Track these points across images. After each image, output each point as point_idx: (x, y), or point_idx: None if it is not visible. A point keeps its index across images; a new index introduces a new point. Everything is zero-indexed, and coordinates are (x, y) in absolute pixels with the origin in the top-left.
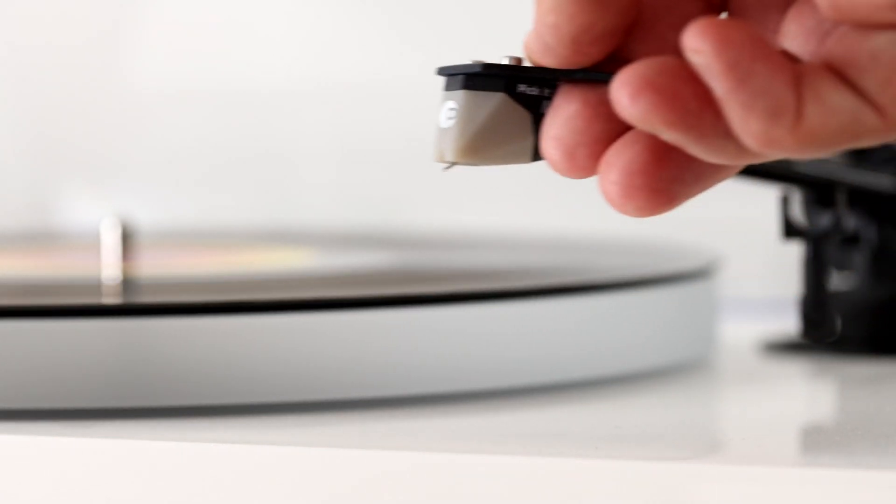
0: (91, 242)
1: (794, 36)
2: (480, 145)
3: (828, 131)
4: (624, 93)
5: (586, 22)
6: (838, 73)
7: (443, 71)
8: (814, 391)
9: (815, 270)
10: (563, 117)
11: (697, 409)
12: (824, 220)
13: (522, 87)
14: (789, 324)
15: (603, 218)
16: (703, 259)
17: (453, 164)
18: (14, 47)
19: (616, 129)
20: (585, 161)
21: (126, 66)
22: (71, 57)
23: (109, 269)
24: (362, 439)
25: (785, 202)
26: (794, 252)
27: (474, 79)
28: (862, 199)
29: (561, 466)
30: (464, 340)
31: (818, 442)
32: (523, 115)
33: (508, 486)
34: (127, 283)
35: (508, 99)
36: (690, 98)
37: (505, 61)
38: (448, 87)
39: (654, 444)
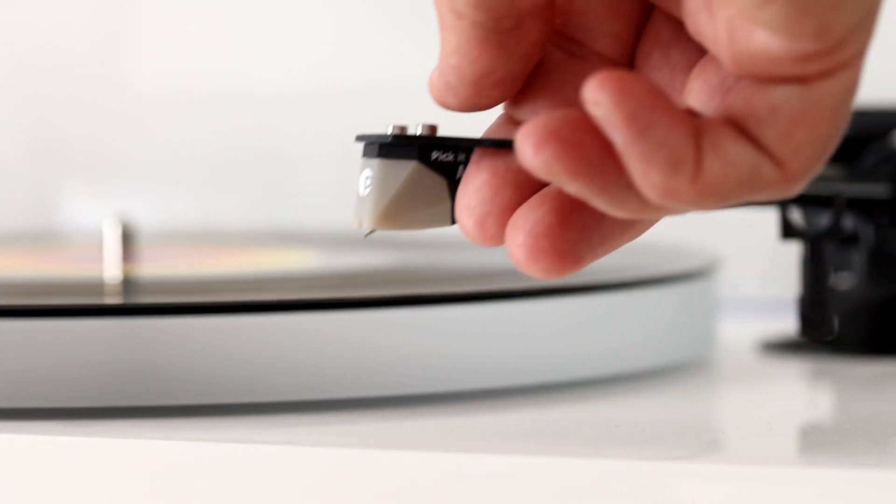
0: (92, 242)
1: (698, 94)
2: (396, 212)
3: (727, 183)
4: (528, 143)
5: (488, 65)
6: (738, 126)
7: (360, 139)
8: (812, 391)
9: (814, 270)
10: (473, 187)
11: (696, 409)
12: (822, 220)
13: (436, 155)
14: (788, 324)
15: None
16: (702, 259)
17: (373, 230)
18: (16, 49)
19: (524, 197)
20: (495, 230)
21: (127, 68)
22: (72, 59)
23: (110, 269)
24: (362, 438)
25: (783, 203)
26: (793, 253)
27: (387, 148)
28: (860, 200)
29: (560, 466)
30: (464, 340)
31: (816, 441)
32: (438, 182)
33: (508, 486)
34: (127, 283)
35: (422, 166)
36: (593, 149)
37: (419, 129)
38: (365, 155)
39: (653, 444)
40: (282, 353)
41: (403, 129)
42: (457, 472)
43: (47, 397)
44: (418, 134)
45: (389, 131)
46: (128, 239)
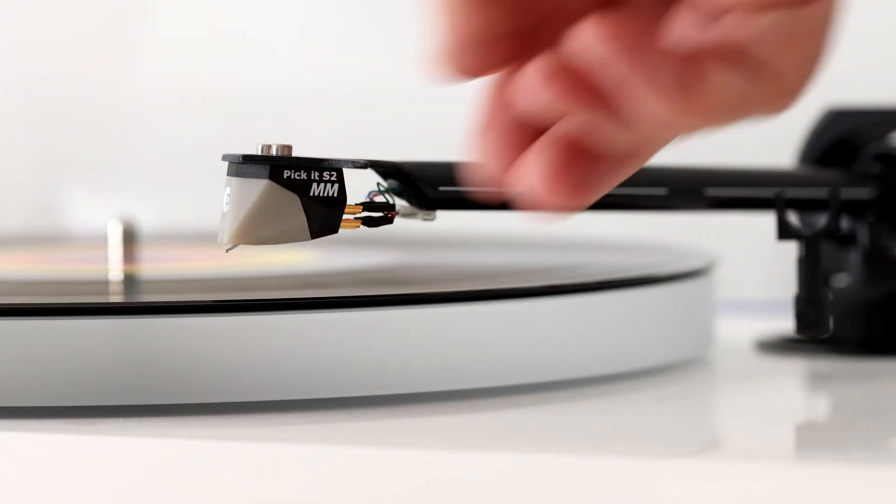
0: (95, 243)
1: (684, 25)
2: (251, 228)
3: (724, 105)
4: (537, 78)
5: (483, 22)
6: (729, 51)
7: (224, 158)
8: (809, 390)
9: (809, 268)
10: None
11: (694, 407)
12: (819, 221)
13: (289, 173)
14: (785, 324)
15: (602, 218)
16: (700, 259)
17: (233, 245)
18: (21, 54)
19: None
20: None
21: (129, 72)
22: (76, 63)
23: (113, 268)
24: (361, 437)
25: (780, 204)
26: (790, 253)
27: (241, 167)
28: (851, 201)
29: (559, 464)
30: (463, 340)
31: (813, 439)
32: (292, 198)
33: (508, 485)
34: (129, 283)
35: (274, 184)
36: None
37: (274, 149)
38: (227, 174)
39: (652, 442)
40: (282, 353)
41: (270, 147)
42: (457, 472)
43: (49, 396)
44: (274, 154)
45: (259, 151)
46: (129, 239)
